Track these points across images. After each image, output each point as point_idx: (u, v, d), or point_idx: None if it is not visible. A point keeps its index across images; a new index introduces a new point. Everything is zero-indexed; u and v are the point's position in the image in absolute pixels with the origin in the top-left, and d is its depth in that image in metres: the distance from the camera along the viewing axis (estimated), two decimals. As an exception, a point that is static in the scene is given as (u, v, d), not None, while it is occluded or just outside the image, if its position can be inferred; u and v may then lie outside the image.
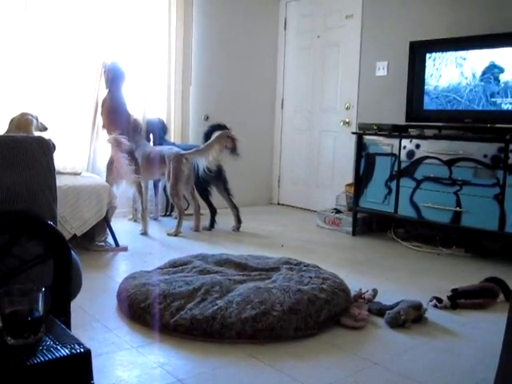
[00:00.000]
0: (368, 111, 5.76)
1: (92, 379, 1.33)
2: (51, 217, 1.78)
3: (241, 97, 6.52)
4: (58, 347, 1.30)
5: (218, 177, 5.23)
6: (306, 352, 2.54)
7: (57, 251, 1.67)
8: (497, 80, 4.40)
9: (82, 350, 1.30)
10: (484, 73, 4.47)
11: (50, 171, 1.81)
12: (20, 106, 4.64)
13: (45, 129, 4.29)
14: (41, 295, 1.32)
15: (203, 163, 4.89)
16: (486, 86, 4.47)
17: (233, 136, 5.04)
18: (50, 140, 1.89)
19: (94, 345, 2.46)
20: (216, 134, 4.97)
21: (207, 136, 5.18)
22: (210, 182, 5.24)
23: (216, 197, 5.35)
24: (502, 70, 4.36)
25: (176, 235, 4.89)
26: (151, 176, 5.30)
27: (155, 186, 5.73)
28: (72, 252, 1.75)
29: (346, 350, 2.58)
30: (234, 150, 5.12)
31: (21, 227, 1.67)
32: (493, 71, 4.42)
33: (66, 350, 1.28)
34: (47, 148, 1.83)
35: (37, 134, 4.12)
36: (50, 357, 1.25)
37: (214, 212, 5.27)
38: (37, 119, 4.22)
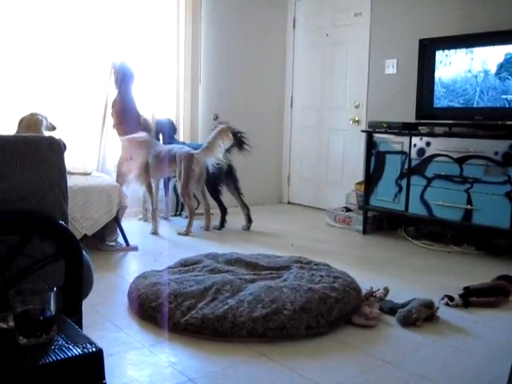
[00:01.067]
0: (377, 109, 5.73)
1: (104, 378, 1.34)
2: (62, 216, 1.78)
3: (250, 95, 6.51)
4: (70, 346, 1.30)
5: (228, 176, 5.23)
6: (317, 351, 2.54)
7: (68, 251, 1.67)
8: (508, 77, 4.37)
9: (94, 349, 1.30)
10: (494, 70, 4.44)
11: (60, 171, 1.82)
12: (30, 106, 4.65)
13: (54, 128, 4.32)
14: (52, 295, 1.32)
15: (214, 161, 4.89)
16: (496, 82, 4.44)
17: (234, 130, 5.02)
18: (60, 140, 1.89)
19: (105, 344, 2.45)
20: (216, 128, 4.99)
21: None
22: (220, 181, 5.24)
23: (226, 195, 5.34)
24: (512, 67, 4.33)
25: (186, 235, 4.90)
26: (162, 174, 5.32)
27: (165, 185, 5.74)
28: (83, 252, 1.75)
29: (357, 348, 2.57)
30: (240, 146, 5.09)
31: (32, 227, 1.67)
32: (504, 68, 4.38)
33: (78, 350, 1.29)
34: (58, 148, 1.83)
35: (46, 133, 4.14)
36: (62, 356, 1.25)
37: (224, 211, 5.27)
38: (46, 119, 4.24)
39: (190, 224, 4.95)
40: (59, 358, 1.25)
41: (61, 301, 1.59)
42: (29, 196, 1.71)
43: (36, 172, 1.74)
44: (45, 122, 4.20)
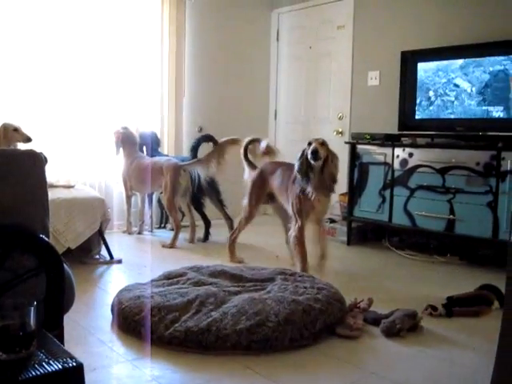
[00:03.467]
0: (361, 121, 5.77)
1: (85, 393, 1.33)
2: (43, 230, 1.78)
3: (234, 108, 6.53)
4: (51, 361, 1.29)
5: (211, 188, 5.22)
6: (302, 363, 2.54)
7: (49, 265, 1.66)
8: (488, 88, 4.42)
9: (75, 363, 1.29)
10: (475, 81, 4.49)
11: (41, 184, 1.81)
12: (11, 116, 4.61)
13: (28, 140, 4.16)
14: (32, 309, 1.31)
15: (201, 174, 4.88)
16: (477, 94, 4.49)
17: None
18: (41, 153, 1.89)
19: (88, 359, 2.44)
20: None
21: (194, 149, 5.19)
22: (203, 194, 5.22)
23: (209, 208, 5.33)
24: (492, 78, 4.39)
25: (171, 247, 4.88)
26: (148, 188, 5.30)
27: (149, 197, 5.71)
28: (64, 265, 1.74)
29: (341, 359, 2.57)
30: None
31: (13, 241, 1.66)
32: (484, 79, 4.44)
33: (59, 365, 1.28)
34: (39, 161, 1.83)
35: (17, 145, 4.08)
36: (42, 371, 1.24)
37: (208, 224, 5.26)
38: (16, 129, 4.13)
39: (175, 237, 4.93)
40: (39, 373, 1.24)
41: (42, 315, 1.58)
42: (9, 210, 1.70)
43: (16, 186, 1.73)
44: (10, 134, 4.09)
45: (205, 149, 5.25)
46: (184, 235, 5.17)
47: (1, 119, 4.61)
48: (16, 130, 4.12)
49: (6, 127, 4.10)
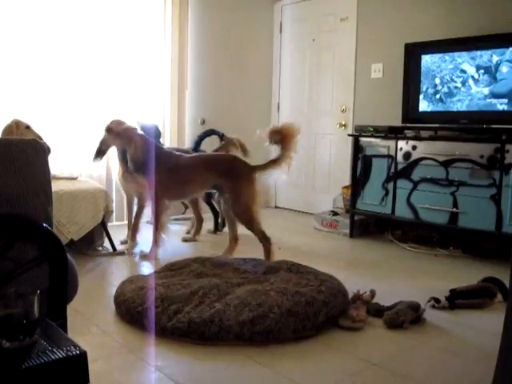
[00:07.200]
0: (364, 113, 5.76)
1: (88, 381, 1.32)
2: (46, 220, 1.77)
3: (237, 100, 6.52)
4: (54, 350, 1.29)
5: None
6: (305, 354, 2.54)
7: (52, 254, 1.66)
8: (492, 80, 4.40)
9: (78, 352, 1.29)
10: (479, 73, 4.48)
11: (44, 175, 1.81)
12: (16, 111, 4.61)
13: (39, 139, 4.18)
14: (36, 298, 1.31)
15: None
16: (481, 86, 4.47)
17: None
18: (44, 143, 1.89)
19: (91, 349, 2.41)
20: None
21: (197, 145, 5.19)
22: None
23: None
24: (496, 71, 4.37)
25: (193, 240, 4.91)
26: None
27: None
28: (68, 255, 1.74)
29: (344, 351, 2.57)
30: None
31: (16, 231, 1.66)
32: (488, 72, 4.42)
33: (62, 353, 1.28)
34: (42, 151, 1.82)
35: None
36: (46, 359, 1.24)
37: (216, 215, 5.24)
38: (28, 127, 4.11)
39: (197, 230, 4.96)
40: (43, 361, 1.23)
41: (45, 305, 1.58)
42: (12, 200, 1.69)
43: (20, 176, 1.73)
44: (22, 131, 4.08)
45: (208, 143, 5.25)
46: (185, 228, 5.16)
47: (5, 111, 4.63)
48: (28, 127, 4.13)
49: (18, 124, 4.10)
